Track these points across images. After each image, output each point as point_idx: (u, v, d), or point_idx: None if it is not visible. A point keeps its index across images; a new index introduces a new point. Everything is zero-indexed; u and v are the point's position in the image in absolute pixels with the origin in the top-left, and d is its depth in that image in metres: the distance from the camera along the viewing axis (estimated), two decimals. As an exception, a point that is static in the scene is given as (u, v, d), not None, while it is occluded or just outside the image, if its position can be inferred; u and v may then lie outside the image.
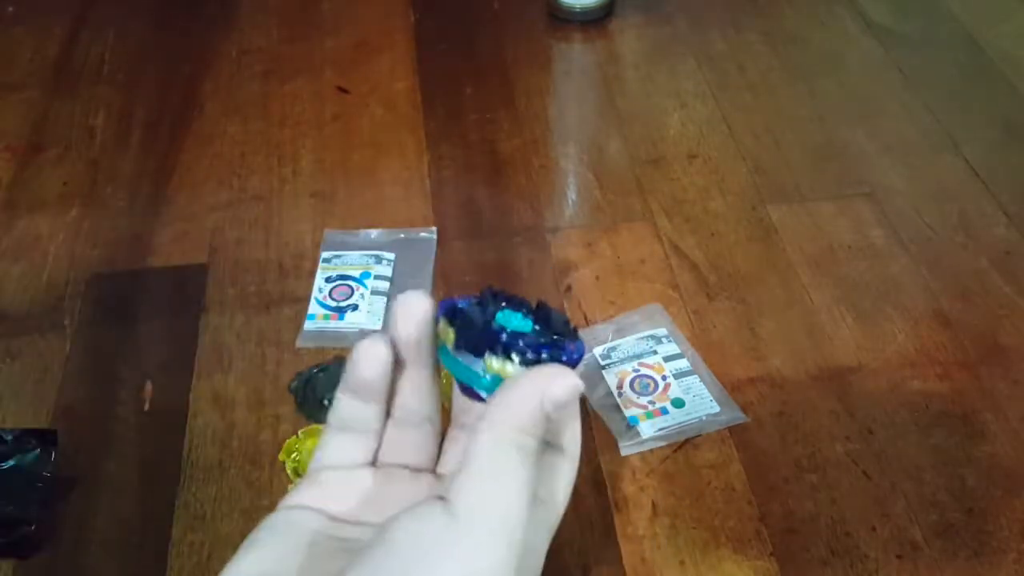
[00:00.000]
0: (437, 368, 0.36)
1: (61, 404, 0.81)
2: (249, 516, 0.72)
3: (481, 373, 0.33)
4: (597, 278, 0.90)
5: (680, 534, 0.71)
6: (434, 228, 0.95)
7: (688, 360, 0.81)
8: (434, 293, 0.88)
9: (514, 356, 0.32)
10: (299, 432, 0.76)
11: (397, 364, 0.35)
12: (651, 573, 0.68)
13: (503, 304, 0.35)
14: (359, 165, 1.04)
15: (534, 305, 0.35)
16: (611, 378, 0.80)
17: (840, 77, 1.15)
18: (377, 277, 0.89)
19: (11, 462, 0.72)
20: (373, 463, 0.36)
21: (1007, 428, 0.77)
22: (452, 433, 0.38)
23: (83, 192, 1.02)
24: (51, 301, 0.90)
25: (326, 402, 0.77)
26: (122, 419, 0.80)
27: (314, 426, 0.77)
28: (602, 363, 0.81)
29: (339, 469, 0.35)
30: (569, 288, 0.89)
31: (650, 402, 0.78)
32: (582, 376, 0.32)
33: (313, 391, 0.79)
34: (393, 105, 1.12)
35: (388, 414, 0.36)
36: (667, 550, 0.70)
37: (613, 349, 0.82)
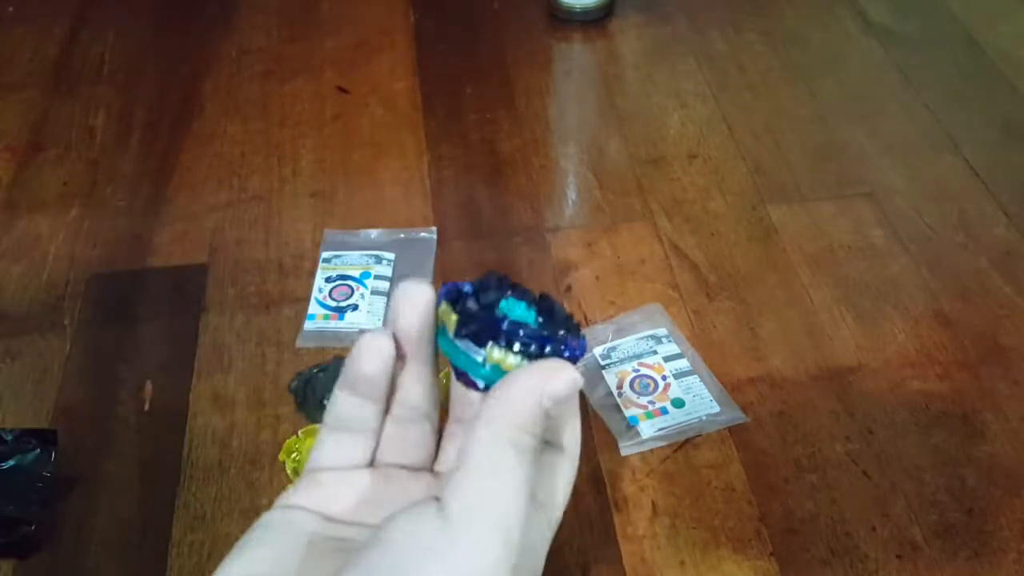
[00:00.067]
0: (436, 363, 0.36)
1: (61, 404, 0.81)
2: (249, 516, 0.72)
3: (481, 362, 0.32)
4: (597, 278, 0.90)
5: (680, 534, 0.71)
6: (434, 228, 0.95)
7: (688, 360, 0.81)
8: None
9: (516, 347, 0.32)
10: (299, 432, 0.76)
11: (398, 359, 0.34)
12: (651, 573, 0.68)
13: (508, 292, 0.34)
14: (359, 165, 1.04)
15: (537, 296, 0.35)
16: (611, 378, 0.80)
17: (840, 77, 1.15)
18: (377, 277, 0.89)
19: (11, 462, 0.72)
20: (371, 463, 0.35)
21: (1007, 428, 0.77)
22: (450, 429, 0.38)
23: (83, 192, 1.02)
24: (51, 301, 0.90)
25: (326, 402, 0.77)
26: (122, 419, 0.80)
27: (314, 426, 0.77)
28: (602, 363, 0.81)
29: (336, 470, 0.35)
30: (569, 288, 0.89)
31: (650, 402, 0.78)
32: (582, 374, 0.31)
33: (313, 391, 0.79)
34: (393, 105, 1.12)
35: (386, 411, 0.36)
36: (667, 550, 0.70)
37: (613, 349, 0.82)
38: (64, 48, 1.23)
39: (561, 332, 0.33)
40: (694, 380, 0.79)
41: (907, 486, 0.73)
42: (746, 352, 0.83)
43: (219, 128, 1.10)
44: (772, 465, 0.75)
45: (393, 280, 0.89)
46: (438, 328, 0.34)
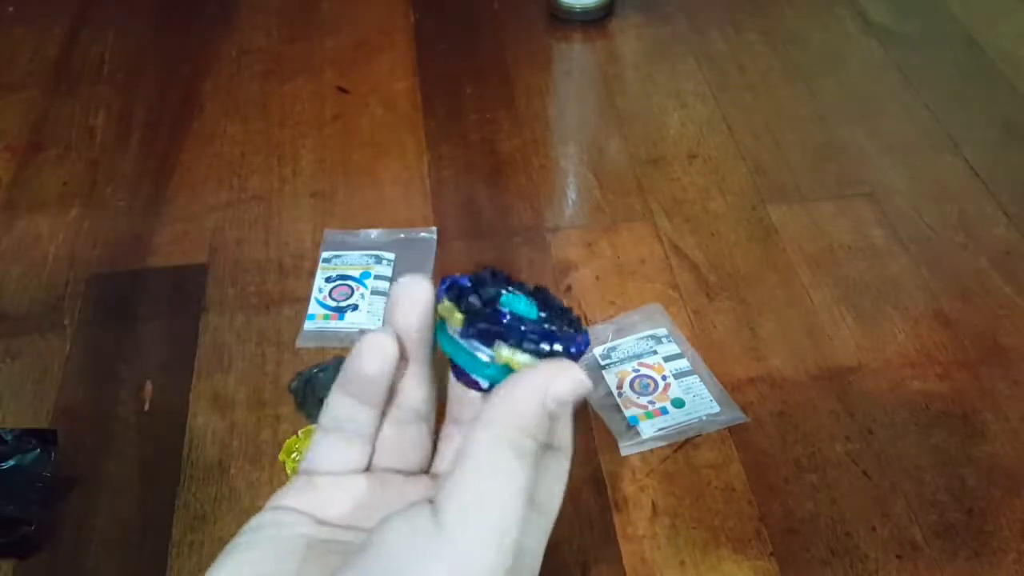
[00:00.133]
0: (434, 363, 0.35)
1: (61, 404, 0.81)
2: (249, 516, 0.71)
3: (487, 360, 0.31)
4: (597, 278, 0.90)
5: (680, 534, 0.70)
6: (434, 228, 0.95)
7: (688, 360, 0.81)
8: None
9: (526, 346, 0.31)
10: (299, 432, 0.76)
11: (401, 359, 0.33)
12: (651, 573, 0.68)
13: (508, 288, 0.33)
14: (359, 165, 1.04)
15: (532, 288, 0.34)
16: (611, 378, 0.80)
17: (840, 77, 1.15)
18: (377, 277, 0.89)
19: (11, 462, 0.72)
20: (367, 467, 0.35)
21: (1007, 428, 0.77)
22: (447, 430, 0.37)
23: (83, 192, 1.02)
24: (51, 301, 0.90)
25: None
26: (122, 419, 0.80)
27: (314, 426, 0.77)
28: (602, 363, 0.81)
29: (332, 475, 0.34)
30: (569, 288, 0.89)
31: (650, 402, 0.78)
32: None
33: (313, 391, 0.79)
34: (393, 105, 1.12)
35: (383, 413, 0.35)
36: (667, 550, 0.70)
37: (613, 349, 0.82)
38: (64, 48, 1.23)
39: (566, 327, 0.32)
40: (694, 380, 0.79)
41: (907, 486, 0.73)
42: (746, 352, 0.83)
43: (219, 128, 1.10)
44: (772, 465, 0.75)
45: (393, 280, 0.89)
46: (437, 323, 0.34)
